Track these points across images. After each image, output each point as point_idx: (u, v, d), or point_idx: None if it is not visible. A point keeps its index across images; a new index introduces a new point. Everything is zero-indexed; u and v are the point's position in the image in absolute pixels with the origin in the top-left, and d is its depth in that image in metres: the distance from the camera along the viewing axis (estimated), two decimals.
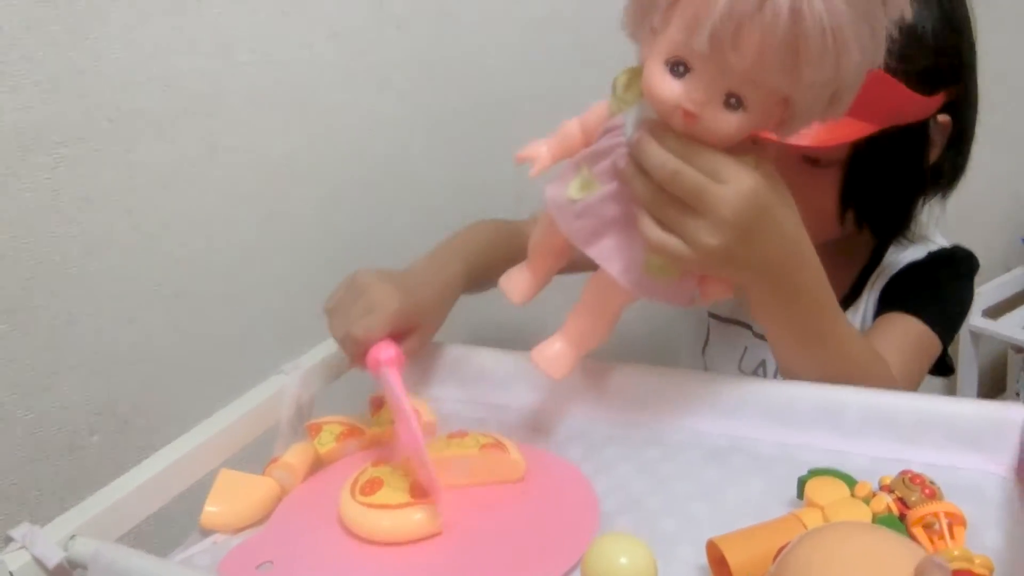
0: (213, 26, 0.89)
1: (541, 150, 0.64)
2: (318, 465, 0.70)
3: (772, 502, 0.58)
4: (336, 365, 0.78)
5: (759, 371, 0.91)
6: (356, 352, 0.69)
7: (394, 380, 0.65)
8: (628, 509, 0.60)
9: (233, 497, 0.65)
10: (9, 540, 0.55)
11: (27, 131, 0.80)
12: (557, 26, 1.17)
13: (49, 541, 0.55)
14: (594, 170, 0.60)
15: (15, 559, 0.54)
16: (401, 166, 1.08)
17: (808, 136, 0.59)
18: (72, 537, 0.56)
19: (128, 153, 0.87)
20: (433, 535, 0.60)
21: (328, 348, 0.78)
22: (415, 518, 0.60)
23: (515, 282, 0.69)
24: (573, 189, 0.60)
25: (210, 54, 0.89)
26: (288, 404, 0.74)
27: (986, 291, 1.80)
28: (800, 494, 0.57)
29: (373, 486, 0.62)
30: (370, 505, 0.60)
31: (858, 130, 0.71)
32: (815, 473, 0.57)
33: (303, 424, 0.74)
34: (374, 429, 0.73)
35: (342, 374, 0.79)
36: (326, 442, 0.71)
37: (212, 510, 0.64)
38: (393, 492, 0.61)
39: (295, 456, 0.69)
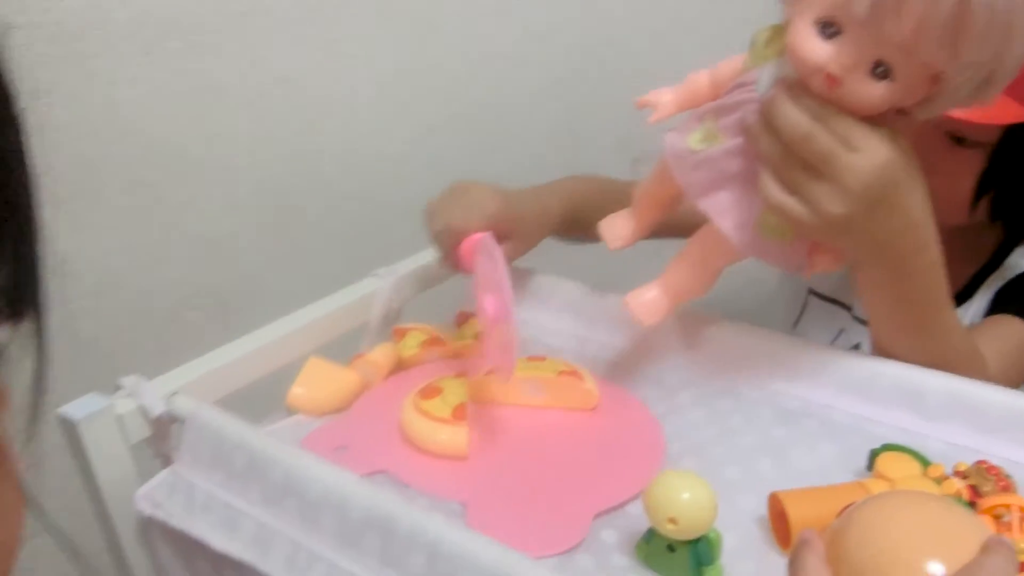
0: None
1: (665, 97, 0.64)
2: (400, 367, 0.74)
3: (839, 469, 0.59)
4: (427, 276, 0.81)
5: None
6: (451, 243, 0.70)
7: (495, 249, 0.64)
8: (693, 453, 0.61)
9: (319, 383, 0.69)
10: (118, 388, 0.60)
11: (165, 17, 0.84)
12: None
13: (154, 394, 0.59)
14: (720, 123, 0.59)
15: (123, 405, 0.58)
16: (510, 99, 1.08)
17: (961, 111, 0.57)
18: (174, 393, 0.60)
19: (254, 48, 0.90)
20: (458, 457, 0.61)
21: (422, 259, 0.80)
22: (440, 437, 0.61)
23: (616, 227, 0.69)
24: (694, 140, 0.60)
25: None
26: (378, 306, 0.77)
27: None
28: (870, 466, 0.57)
29: (431, 392, 0.64)
30: (418, 409, 0.63)
31: (1015, 114, 0.68)
32: (889, 448, 0.57)
33: (390, 327, 0.77)
34: (457, 342, 0.75)
35: (432, 286, 0.81)
36: (410, 347, 0.74)
37: (299, 391, 0.68)
38: (440, 405, 0.63)
39: (380, 354, 0.73)
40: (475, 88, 1.05)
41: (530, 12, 1.05)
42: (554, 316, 0.78)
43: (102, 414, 0.56)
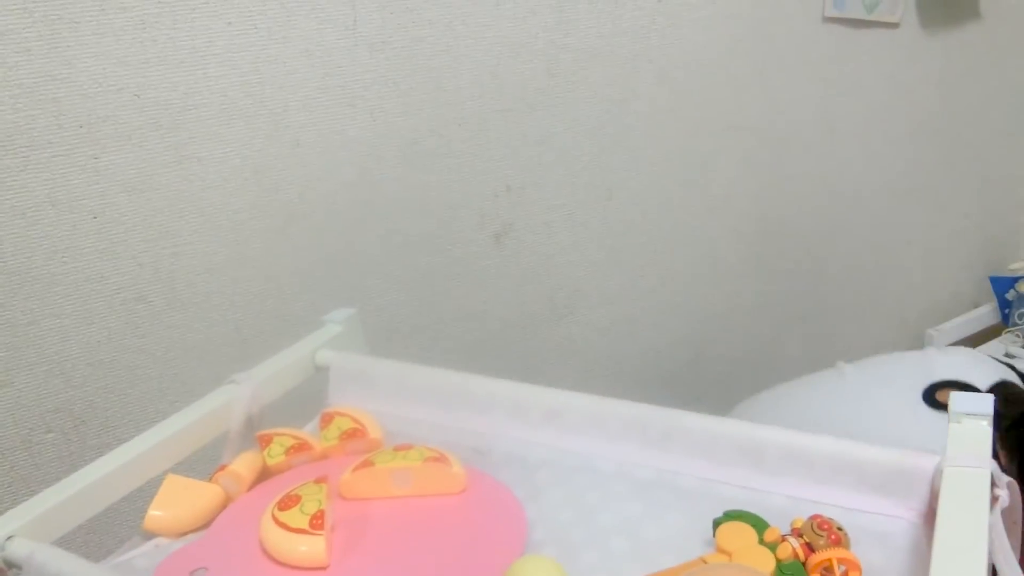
0: (186, 38, 0.91)
1: None
2: (266, 475, 0.72)
3: (690, 539, 0.60)
4: (287, 378, 0.80)
5: None
6: None
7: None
8: (554, 539, 0.62)
9: (178, 502, 0.67)
10: None
11: None
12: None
13: None
14: None
15: None
16: (367, 188, 1.09)
17: None
18: (9, 537, 0.57)
19: (96, 159, 0.89)
20: (318, 567, 0.60)
21: (280, 361, 0.80)
22: (300, 548, 0.61)
23: None
24: None
25: (181, 66, 0.91)
26: (238, 414, 0.75)
27: (956, 326, 1.84)
28: (715, 534, 0.60)
29: (289, 502, 0.64)
30: (276, 521, 0.62)
31: None
32: (729, 516, 0.59)
33: (253, 434, 0.76)
34: (323, 444, 0.75)
35: (293, 387, 0.81)
36: (275, 454, 0.73)
37: (156, 514, 0.66)
38: (298, 515, 0.62)
39: (243, 465, 0.71)
40: (329, 180, 1.06)
41: (386, 99, 1.07)
42: (416, 406, 0.78)
43: None
